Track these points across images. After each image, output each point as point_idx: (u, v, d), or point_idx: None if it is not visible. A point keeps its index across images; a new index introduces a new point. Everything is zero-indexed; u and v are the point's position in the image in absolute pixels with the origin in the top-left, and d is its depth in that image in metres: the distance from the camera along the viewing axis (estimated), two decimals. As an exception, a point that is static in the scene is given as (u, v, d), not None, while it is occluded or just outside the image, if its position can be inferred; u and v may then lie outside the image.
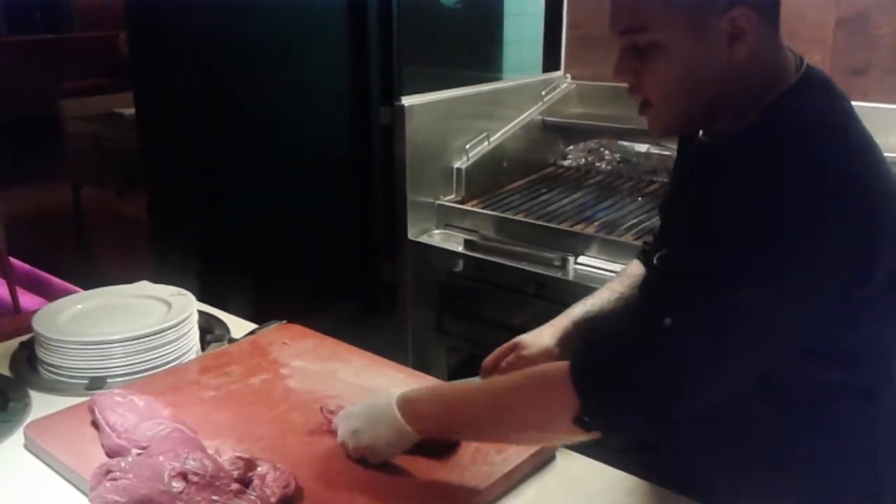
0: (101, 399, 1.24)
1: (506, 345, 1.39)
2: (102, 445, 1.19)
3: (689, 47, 0.99)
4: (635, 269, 1.43)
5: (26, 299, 3.54)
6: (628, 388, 0.97)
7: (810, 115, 1.00)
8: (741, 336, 0.95)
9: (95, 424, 1.23)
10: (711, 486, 1.11)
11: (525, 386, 1.06)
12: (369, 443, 1.13)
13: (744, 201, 0.93)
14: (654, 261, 1.16)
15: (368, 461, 1.14)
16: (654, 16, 0.99)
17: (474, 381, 1.16)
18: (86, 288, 1.70)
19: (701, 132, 1.12)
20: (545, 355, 1.33)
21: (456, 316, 2.27)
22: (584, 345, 1.08)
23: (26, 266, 4.01)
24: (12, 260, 3.45)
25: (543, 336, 1.37)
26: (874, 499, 1.10)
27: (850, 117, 1.04)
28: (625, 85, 1.07)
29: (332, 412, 1.24)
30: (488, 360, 1.39)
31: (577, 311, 1.39)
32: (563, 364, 1.02)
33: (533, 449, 1.18)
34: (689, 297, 0.95)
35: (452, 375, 2.32)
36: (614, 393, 0.97)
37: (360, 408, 1.16)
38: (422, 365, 2.33)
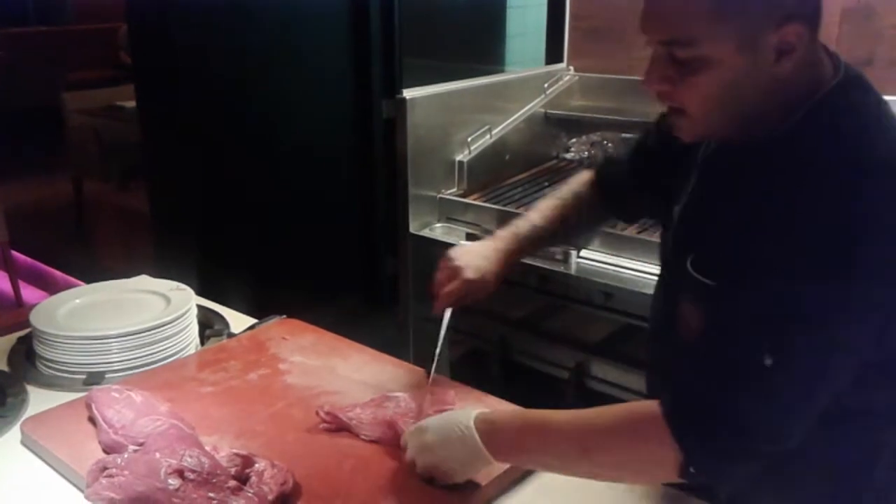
0: (98, 395, 1.24)
1: (445, 269, 1.31)
2: (99, 442, 1.18)
3: (735, 63, 0.94)
4: (578, 184, 1.42)
5: (29, 292, 3.54)
6: (735, 435, 0.91)
7: (858, 112, 0.97)
8: (841, 365, 0.92)
9: (92, 420, 1.22)
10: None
11: (620, 428, 0.99)
12: (441, 462, 1.07)
13: (823, 214, 0.88)
14: (689, 266, 1.05)
15: (436, 481, 1.08)
16: (703, 29, 0.93)
17: (558, 413, 1.03)
18: (87, 281, 1.69)
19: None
20: (494, 280, 1.31)
21: (458, 309, 2.26)
22: (673, 387, 0.95)
23: (28, 259, 4.01)
24: (14, 253, 3.46)
25: (487, 258, 1.32)
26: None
27: (888, 109, 0.99)
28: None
29: (328, 413, 1.23)
30: (434, 287, 1.31)
31: (523, 227, 1.36)
32: (656, 409, 0.94)
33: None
34: (789, 334, 0.89)
35: (454, 369, 2.31)
36: (721, 443, 0.92)
37: (435, 423, 1.09)
38: (423, 359, 2.32)
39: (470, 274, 1.30)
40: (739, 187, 1.02)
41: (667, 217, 1.19)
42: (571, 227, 1.43)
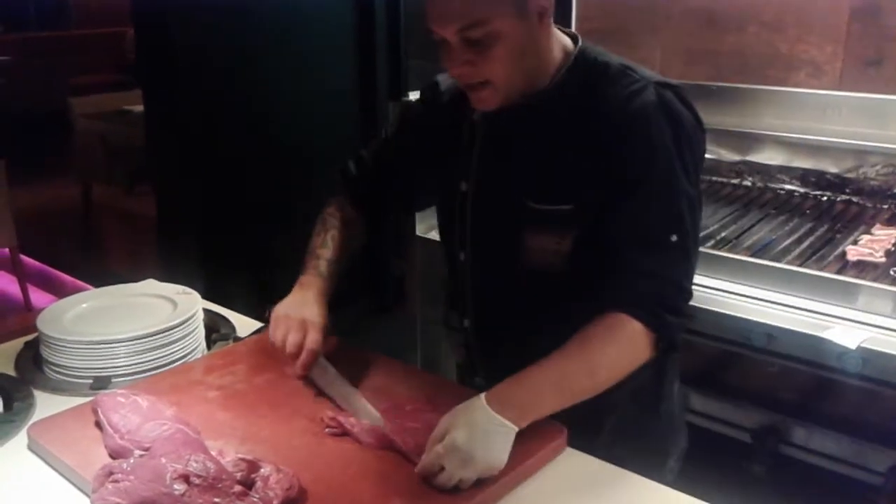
0: (105, 400, 1.23)
1: (291, 328, 1.34)
2: (105, 446, 1.18)
3: (518, 29, 1.17)
4: (335, 209, 1.56)
5: (38, 296, 3.55)
6: (679, 295, 1.23)
7: (605, 59, 1.27)
8: (697, 220, 1.28)
9: (98, 425, 1.22)
10: None
11: (609, 347, 1.19)
12: (486, 461, 1.08)
13: (648, 134, 1.20)
14: (534, 203, 1.26)
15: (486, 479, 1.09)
16: (487, 9, 1.14)
17: (553, 361, 1.17)
18: (95, 285, 1.69)
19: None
20: (326, 321, 1.37)
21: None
22: (632, 292, 1.20)
23: (37, 263, 4.03)
24: (23, 257, 3.47)
25: (313, 303, 1.39)
26: None
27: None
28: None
29: (332, 419, 1.22)
30: (288, 349, 1.32)
31: (322, 266, 1.46)
32: (624, 318, 1.18)
33: (536, 451, 1.17)
34: (680, 216, 1.21)
35: (460, 372, 2.30)
36: (678, 317, 1.22)
37: (461, 438, 1.08)
38: (431, 361, 2.32)
39: (318, 322, 1.36)
40: (543, 129, 1.27)
41: (445, 187, 1.40)
42: (351, 248, 1.53)
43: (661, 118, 1.21)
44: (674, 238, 1.20)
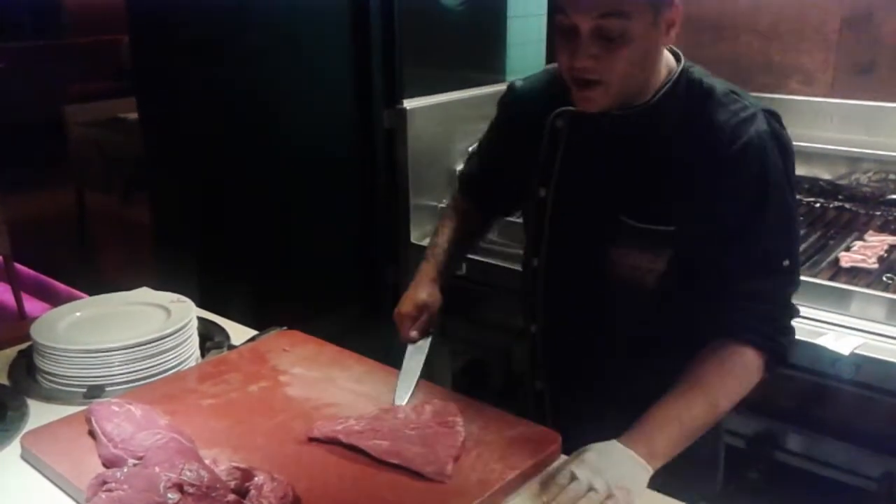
0: (98, 409, 1.23)
1: (411, 311, 1.47)
2: (99, 455, 1.18)
3: (649, 35, 1.16)
4: (454, 202, 1.63)
5: (32, 305, 3.54)
6: (790, 318, 1.28)
7: (702, 79, 1.28)
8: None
9: (92, 434, 1.22)
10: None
11: (729, 377, 1.22)
12: (617, 474, 1.10)
13: (761, 162, 1.21)
14: (625, 219, 1.27)
15: None
16: (630, 3, 1.13)
17: (680, 401, 1.20)
18: (90, 293, 1.69)
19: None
20: (441, 303, 1.50)
21: (459, 319, 2.25)
22: (749, 325, 1.23)
23: (31, 271, 4.01)
24: (17, 266, 3.45)
25: (431, 292, 1.50)
26: None
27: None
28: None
29: (325, 436, 1.22)
30: (407, 330, 1.46)
31: (438, 254, 1.54)
32: (738, 346, 1.22)
33: (530, 458, 1.17)
34: (789, 242, 1.26)
35: (456, 379, 2.30)
36: (788, 336, 1.27)
37: (591, 455, 1.13)
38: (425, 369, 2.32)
39: (434, 307, 1.49)
40: (635, 145, 1.26)
41: (527, 191, 1.40)
42: (468, 235, 1.62)
43: (774, 148, 1.21)
44: (786, 263, 1.24)
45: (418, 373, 1.40)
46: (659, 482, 1.15)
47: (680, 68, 1.27)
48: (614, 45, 1.14)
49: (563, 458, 1.21)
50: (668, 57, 1.27)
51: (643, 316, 1.31)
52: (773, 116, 1.24)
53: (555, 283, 1.41)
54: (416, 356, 1.44)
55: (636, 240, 1.26)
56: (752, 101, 1.25)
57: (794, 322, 1.29)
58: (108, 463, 1.15)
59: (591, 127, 1.29)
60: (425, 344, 1.47)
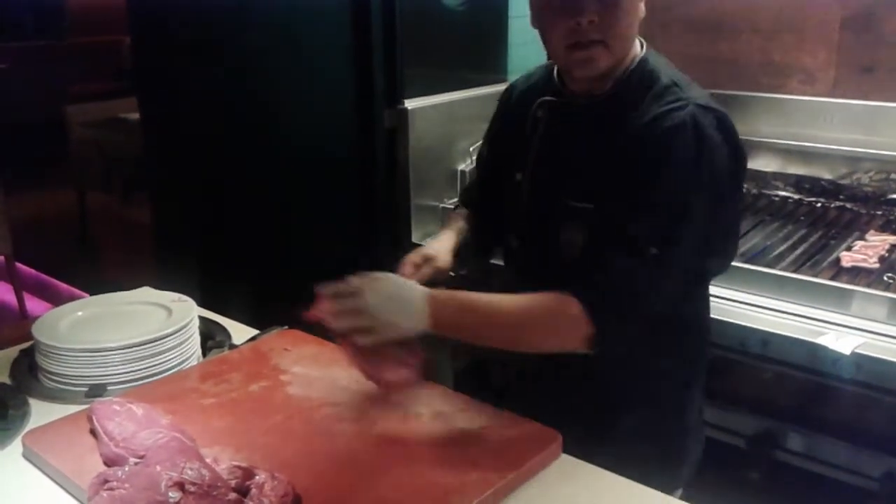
0: (100, 408, 1.23)
1: (415, 258, 1.48)
2: (100, 454, 1.18)
3: (636, 3, 1.24)
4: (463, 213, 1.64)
5: (33, 304, 3.54)
6: (638, 316, 1.23)
7: (662, 68, 1.30)
8: (698, 246, 1.24)
9: (94, 433, 1.22)
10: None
11: (542, 316, 1.23)
12: (376, 314, 1.19)
13: (671, 151, 1.20)
14: (572, 201, 1.31)
15: (367, 333, 1.20)
16: None
17: (495, 301, 1.25)
18: (91, 293, 1.69)
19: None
20: (448, 265, 1.51)
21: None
22: (590, 283, 1.22)
23: (32, 271, 4.02)
24: (19, 265, 3.46)
25: (440, 250, 1.52)
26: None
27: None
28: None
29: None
30: (405, 271, 1.46)
31: (453, 227, 1.58)
32: (571, 300, 1.19)
33: (529, 457, 1.18)
34: (667, 230, 1.20)
35: (457, 379, 2.30)
36: (627, 324, 1.22)
37: (384, 286, 1.23)
38: (427, 369, 2.31)
39: (439, 263, 1.50)
40: (590, 132, 1.31)
41: (506, 179, 1.45)
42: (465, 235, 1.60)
43: (687, 137, 1.20)
44: (654, 251, 1.20)
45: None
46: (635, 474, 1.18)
47: (639, 58, 1.30)
48: (612, 3, 1.21)
49: (564, 456, 1.22)
50: (635, 43, 1.31)
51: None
52: (710, 112, 1.23)
53: (526, 266, 1.46)
54: None
55: (576, 220, 1.31)
56: (692, 94, 1.25)
57: (642, 310, 1.24)
58: (110, 462, 1.15)
59: (563, 115, 1.36)
60: None
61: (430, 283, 1.42)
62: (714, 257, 1.34)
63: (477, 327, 1.25)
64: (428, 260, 1.48)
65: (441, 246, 1.52)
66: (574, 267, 1.30)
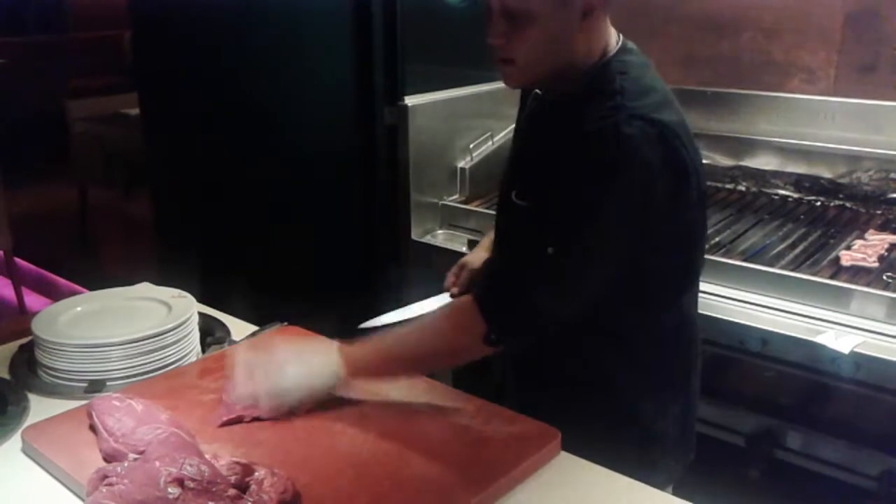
0: (99, 403, 1.23)
1: (454, 269, 1.63)
2: (100, 450, 1.18)
3: (554, 18, 1.19)
4: None
5: (32, 300, 3.54)
6: (525, 309, 1.22)
7: (625, 75, 1.24)
8: (605, 255, 1.22)
9: (93, 429, 1.22)
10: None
11: (440, 319, 1.28)
12: (295, 381, 1.24)
13: (588, 156, 1.18)
14: (514, 197, 1.33)
15: (285, 405, 1.24)
16: None
17: (396, 336, 1.30)
18: (91, 288, 1.69)
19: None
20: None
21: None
22: (484, 278, 1.28)
23: (32, 266, 4.02)
24: (18, 260, 3.46)
25: (479, 255, 1.64)
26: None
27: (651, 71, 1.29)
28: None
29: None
30: (448, 283, 1.62)
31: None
32: (468, 297, 1.25)
33: (529, 455, 1.17)
34: (563, 232, 1.18)
35: (456, 376, 2.30)
36: (515, 315, 1.23)
37: (286, 350, 1.28)
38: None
39: (471, 267, 1.62)
40: (542, 132, 1.33)
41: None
42: None
43: (607, 142, 1.16)
44: (550, 250, 1.18)
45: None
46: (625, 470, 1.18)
47: (605, 60, 1.25)
48: (519, 25, 1.19)
49: (563, 454, 1.22)
50: (606, 43, 1.26)
51: None
52: (647, 122, 1.16)
53: (498, 263, 1.50)
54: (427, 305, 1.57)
55: (512, 216, 1.36)
56: (637, 104, 1.19)
57: (539, 316, 1.24)
58: (109, 457, 1.15)
59: (537, 110, 1.38)
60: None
61: (468, 287, 1.57)
62: (665, 266, 1.29)
63: (388, 363, 1.29)
64: (463, 267, 1.61)
65: (476, 255, 1.63)
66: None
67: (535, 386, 1.43)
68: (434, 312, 1.31)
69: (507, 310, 1.22)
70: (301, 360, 1.27)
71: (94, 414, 1.22)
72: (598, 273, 1.23)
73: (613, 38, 1.28)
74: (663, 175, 1.18)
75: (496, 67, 1.27)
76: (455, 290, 1.60)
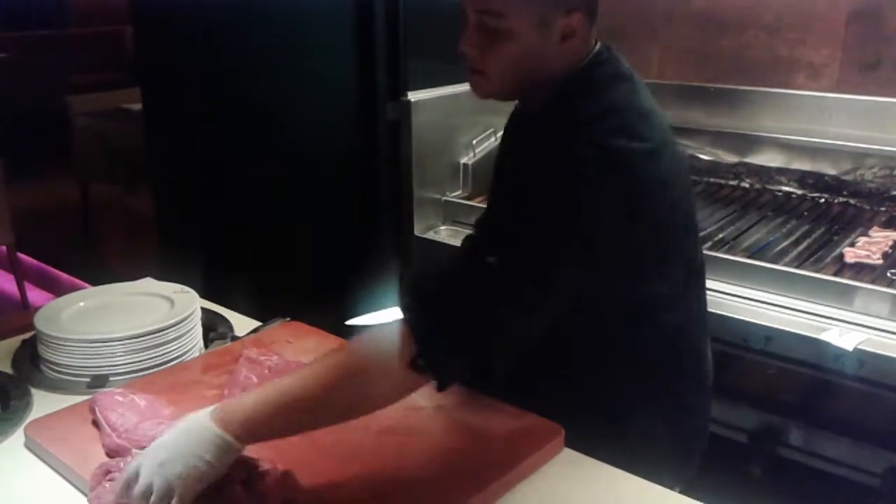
0: (102, 398, 1.23)
1: None
2: (103, 445, 1.18)
3: (532, 38, 1.15)
4: None
5: (35, 295, 3.54)
6: (459, 331, 1.06)
7: (595, 88, 1.18)
8: (547, 299, 1.11)
9: (96, 424, 1.22)
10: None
11: (360, 344, 1.12)
12: (183, 470, 0.99)
13: (548, 168, 1.11)
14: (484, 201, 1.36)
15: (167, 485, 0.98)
16: (511, 5, 1.13)
17: (295, 384, 1.06)
18: (93, 283, 1.69)
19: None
20: None
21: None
22: (413, 297, 1.09)
23: (34, 261, 4.02)
24: (21, 255, 3.46)
25: None
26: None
27: (631, 92, 1.19)
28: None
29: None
30: None
31: None
32: (395, 328, 1.07)
33: (532, 451, 1.17)
34: (513, 246, 1.09)
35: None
36: (447, 338, 1.06)
37: (162, 439, 1.03)
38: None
39: None
40: (507, 142, 1.34)
41: None
42: None
43: (558, 164, 1.10)
44: (491, 259, 1.08)
45: None
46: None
47: (570, 76, 1.18)
48: (494, 40, 1.15)
49: (567, 451, 1.21)
50: (581, 57, 1.19)
51: None
52: (598, 149, 1.10)
53: None
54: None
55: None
56: (601, 130, 1.11)
57: (470, 330, 1.07)
58: (112, 453, 1.15)
59: (516, 126, 1.36)
60: None
61: None
62: (634, 285, 1.21)
63: (287, 417, 1.05)
64: None
65: None
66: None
67: (527, 388, 1.37)
68: (338, 351, 1.11)
69: (435, 329, 1.06)
70: (175, 431, 1.04)
71: (96, 409, 1.22)
72: (563, 290, 1.12)
73: (587, 50, 1.20)
74: (612, 202, 1.10)
75: (465, 75, 1.24)
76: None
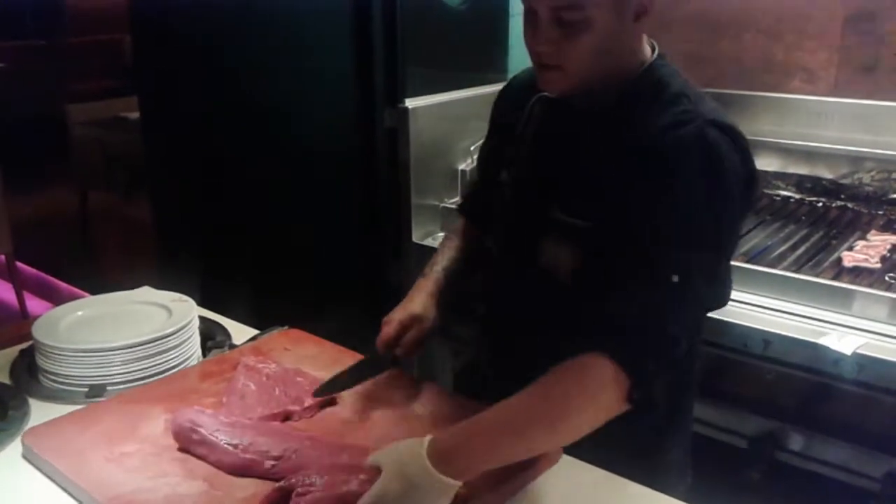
0: (191, 420, 1.21)
1: (403, 317, 1.39)
2: (214, 462, 1.17)
3: (609, 24, 1.12)
4: (463, 227, 1.55)
5: (33, 304, 3.54)
6: (666, 345, 1.11)
7: (670, 79, 1.20)
8: (717, 278, 1.17)
9: (185, 449, 1.20)
10: None
11: (572, 387, 1.07)
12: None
13: (675, 169, 1.12)
14: (560, 214, 1.23)
15: None
16: None
17: (496, 407, 1.08)
18: (92, 292, 1.69)
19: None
20: (435, 321, 1.42)
21: (461, 320, 2.25)
22: (616, 331, 1.09)
23: (33, 270, 4.02)
24: (19, 264, 3.46)
25: (426, 306, 1.42)
26: None
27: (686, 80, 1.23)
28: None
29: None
30: (384, 339, 1.37)
31: (437, 271, 1.47)
32: (598, 357, 1.07)
33: (532, 461, 1.17)
34: (685, 256, 1.10)
35: (457, 379, 2.30)
36: (661, 362, 1.11)
37: (393, 491, 1.01)
38: (426, 369, 2.32)
39: (427, 323, 1.41)
40: (590, 141, 1.22)
41: (492, 177, 1.40)
42: (468, 261, 1.51)
43: (695, 153, 1.11)
44: (675, 279, 1.10)
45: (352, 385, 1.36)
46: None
47: (644, 67, 1.21)
48: (573, 32, 1.12)
49: (565, 457, 1.21)
50: (644, 50, 1.23)
51: (560, 311, 1.25)
52: (720, 129, 1.13)
53: (501, 268, 1.40)
54: (367, 369, 1.39)
55: (559, 232, 1.23)
56: (701, 109, 1.15)
57: (674, 350, 1.12)
58: (237, 470, 1.15)
59: (560, 117, 1.29)
60: (384, 364, 1.40)
61: (420, 342, 1.39)
62: (720, 287, 1.23)
63: (509, 447, 1.06)
64: (414, 320, 1.39)
65: (423, 299, 1.43)
66: (574, 301, 1.19)
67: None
68: (552, 382, 1.08)
69: (658, 361, 1.10)
70: (400, 480, 1.02)
71: (202, 430, 1.20)
72: (706, 297, 1.18)
73: (649, 43, 1.24)
74: (746, 186, 1.15)
75: (536, 72, 1.20)
76: (400, 350, 1.38)
